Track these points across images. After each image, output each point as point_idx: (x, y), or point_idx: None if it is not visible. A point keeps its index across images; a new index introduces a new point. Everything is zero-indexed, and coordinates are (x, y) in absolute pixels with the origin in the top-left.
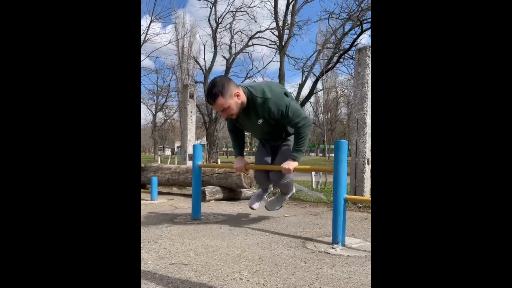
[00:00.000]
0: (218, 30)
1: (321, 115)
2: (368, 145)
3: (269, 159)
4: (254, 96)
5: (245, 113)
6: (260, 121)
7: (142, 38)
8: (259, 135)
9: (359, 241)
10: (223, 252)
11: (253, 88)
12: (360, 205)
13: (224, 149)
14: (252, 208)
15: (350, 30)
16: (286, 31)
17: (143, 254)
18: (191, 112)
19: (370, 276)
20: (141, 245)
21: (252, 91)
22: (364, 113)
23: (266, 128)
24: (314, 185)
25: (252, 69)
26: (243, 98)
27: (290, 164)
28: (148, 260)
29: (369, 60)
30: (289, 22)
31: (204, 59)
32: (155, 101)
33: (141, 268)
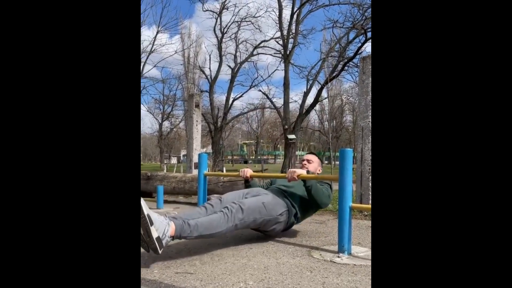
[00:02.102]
0: (224, 40)
1: (326, 122)
2: None
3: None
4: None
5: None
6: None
7: (148, 48)
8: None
9: (365, 250)
10: (229, 261)
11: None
12: (366, 213)
13: (229, 157)
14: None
15: (354, 38)
16: (291, 40)
17: (149, 263)
18: (197, 121)
19: None
20: (147, 254)
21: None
22: (369, 121)
23: (293, 187)
24: None
25: (257, 78)
26: (313, 176)
27: (298, 171)
28: (154, 270)
29: None
30: (293, 31)
31: (210, 68)
32: (161, 110)
33: (147, 277)
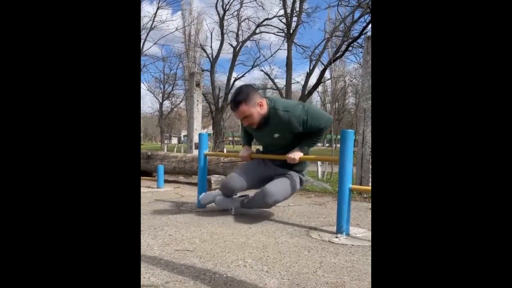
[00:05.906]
0: (225, 17)
1: (329, 104)
2: None
3: (256, 176)
4: (276, 109)
5: (264, 125)
6: (276, 135)
7: (149, 25)
8: (270, 147)
9: (363, 231)
10: (228, 239)
11: (275, 101)
12: (365, 195)
13: (230, 138)
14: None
15: (359, 17)
16: (294, 19)
17: (149, 240)
18: (198, 100)
19: None
20: (147, 232)
21: (275, 104)
22: None
23: (280, 143)
24: (319, 175)
25: (259, 57)
26: (265, 109)
27: (296, 154)
28: (154, 246)
29: None
30: (297, 9)
31: (211, 47)
32: (162, 90)
33: (147, 254)
